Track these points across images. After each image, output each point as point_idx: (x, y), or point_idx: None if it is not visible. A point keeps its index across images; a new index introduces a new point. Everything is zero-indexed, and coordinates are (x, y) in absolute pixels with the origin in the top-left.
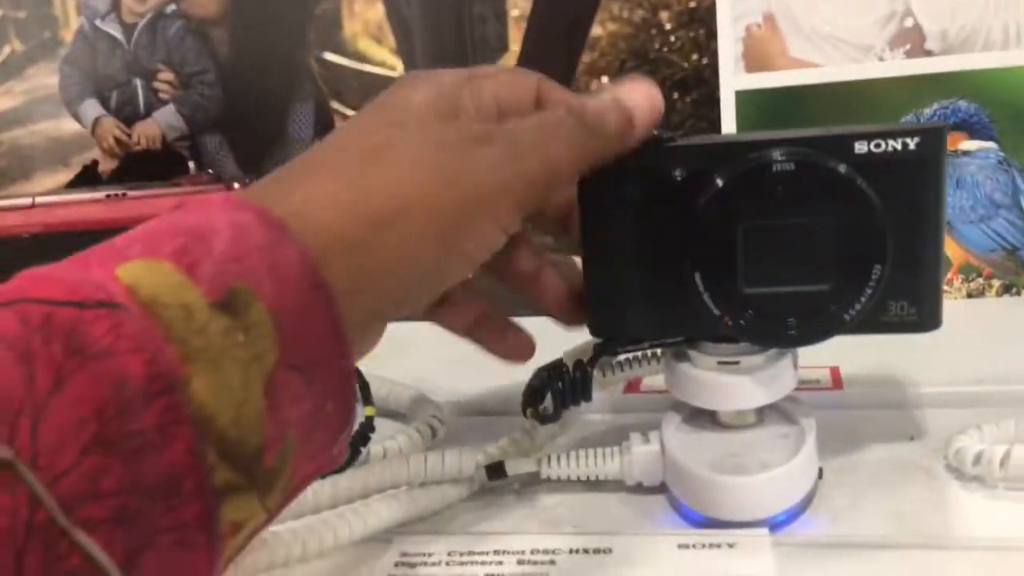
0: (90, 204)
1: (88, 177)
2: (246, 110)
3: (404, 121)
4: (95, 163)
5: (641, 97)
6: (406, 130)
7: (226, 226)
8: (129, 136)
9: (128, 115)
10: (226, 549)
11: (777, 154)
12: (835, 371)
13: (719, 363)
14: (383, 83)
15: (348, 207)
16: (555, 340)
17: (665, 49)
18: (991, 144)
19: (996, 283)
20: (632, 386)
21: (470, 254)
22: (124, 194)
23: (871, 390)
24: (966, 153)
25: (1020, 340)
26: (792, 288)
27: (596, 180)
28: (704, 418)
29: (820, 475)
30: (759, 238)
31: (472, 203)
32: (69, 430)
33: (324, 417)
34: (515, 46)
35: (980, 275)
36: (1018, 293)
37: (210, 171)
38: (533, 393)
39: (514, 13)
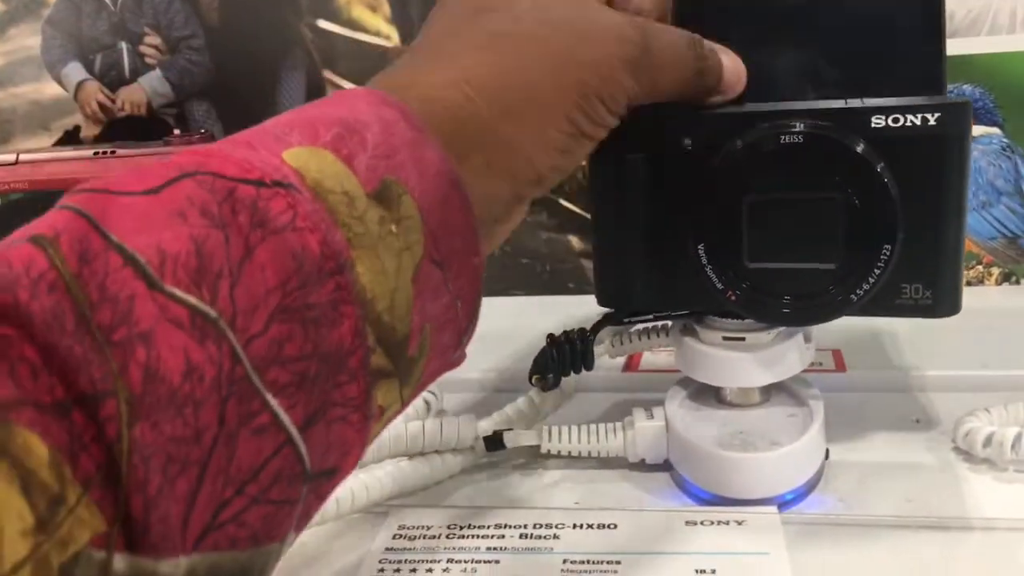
0: (77, 161)
1: (70, 143)
2: (235, 77)
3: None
4: (77, 129)
5: (735, 74)
6: (518, 9)
7: (375, 121)
8: (113, 101)
9: (113, 80)
10: (372, 432)
11: (788, 126)
12: (837, 353)
13: (724, 339)
14: (378, 53)
15: (479, 97)
16: (563, 316)
17: None
18: (995, 130)
19: (996, 271)
20: (631, 364)
21: (590, 134)
22: (113, 152)
23: (874, 373)
24: None
25: (1021, 328)
26: (798, 265)
27: (606, 148)
28: (709, 395)
29: (827, 456)
30: (765, 212)
31: (593, 84)
32: (258, 297)
33: (454, 315)
34: None
35: (980, 263)
36: (1017, 282)
37: (203, 129)
38: (541, 361)
39: None
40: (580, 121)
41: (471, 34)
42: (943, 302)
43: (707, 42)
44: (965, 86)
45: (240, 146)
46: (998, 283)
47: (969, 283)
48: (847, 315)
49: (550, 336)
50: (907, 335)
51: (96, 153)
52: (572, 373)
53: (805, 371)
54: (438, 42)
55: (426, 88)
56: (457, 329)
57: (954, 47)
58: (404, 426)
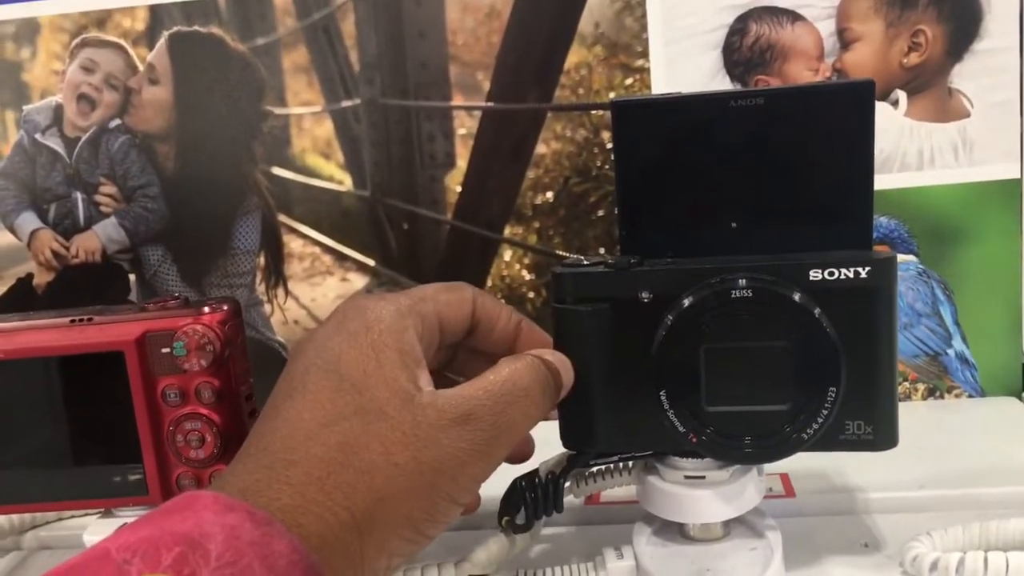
0: (55, 330)
1: (22, 290)
2: (190, 223)
3: (366, 407)
4: (30, 276)
5: (567, 370)
6: (371, 420)
7: (219, 530)
8: (67, 249)
9: (67, 228)
10: None
11: (737, 281)
12: (785, 478)
13: (686, 477)
14: (331, 197)
15: (331, 518)
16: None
17: (607, 167)
18: (911, 257)
19: (921, 387)
20: (593, 496)
21: (433, 534)
22: (90, 319)
23: (822, 497)
24: None
25: (948, 444)
26: (753, 408)
27: (568, 302)
28: (673, 530)
29: None
30: (720, 359)
31: (442, 499)
32: None
33: None
34: (462, 162)
35: (906, 379)
36: (941, 396)
37: (176, 294)
38: (510, 503)
39: (461, 131)
40: (426, 528)
41: (327, 445)
42: (883, 436)
43: (546, 355)
44: (881, 218)
45: None
46: (924, 398)
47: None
48: (800, 452)
49: (518, 479)
50: (848, 455)
51: (73, 321)
52: (544, 516)
53: None
54: (292, 444)
55: (283, 508)
56: None
57: None
58: None
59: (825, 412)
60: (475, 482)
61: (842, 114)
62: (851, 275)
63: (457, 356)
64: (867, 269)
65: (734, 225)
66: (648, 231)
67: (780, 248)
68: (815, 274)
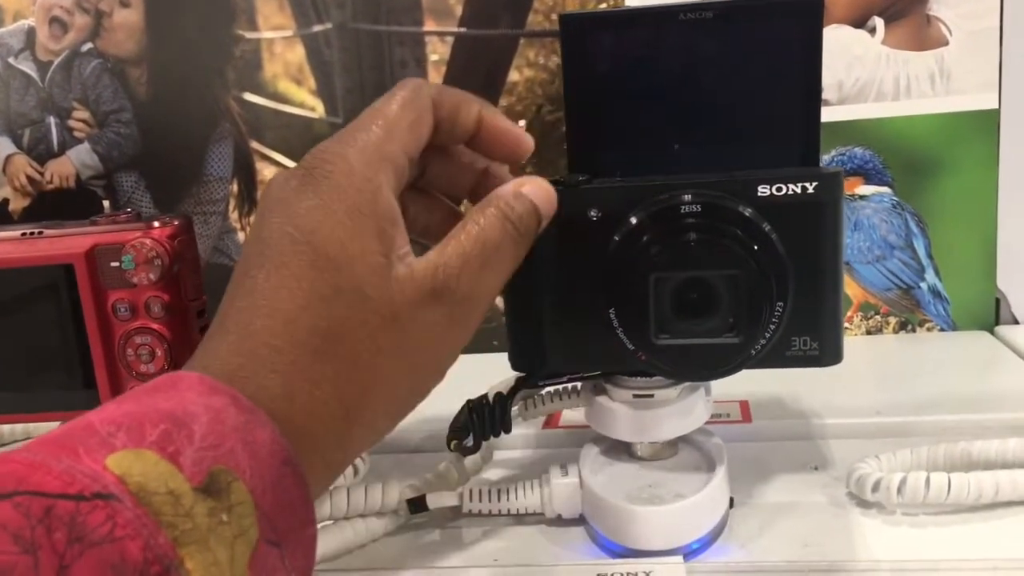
0: (5, 243)
1: None
2: (163, 149)
3: (344, 287)
4: (6, 202)
5: (546, 199)
6: (351, 302)
7: (203, 411)
8: (42, 174)
9: (41, 153)
10: None
11: (684, 196)
12: (744, 405)
13: (634, 396)
14: (303, 124)
15: (320, 410)
16: (486, 376)
17: None
18: (885, 189)
19: (893, 320)
20: (551, 421)
21: (419, 403)
22: (41, 232)
23: (778, 423)
24: (862, 197)
25: (914, 375)
26: (701, 323)
27: None
28: (621, 450)
29: (731, 504)
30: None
31: (427, 373)
32: None
33: None
34: None
35: (878, 313)
36: (913, 330)
37: (128, 209)
38: (458, 426)
39: (433, 58)
40: (413, 401)
41: (310, 331)
42: (828, 352)
43: (512, 198)
44: (856, 149)
45: (65, 452)
46: (895, 332)
47: (869, 332)
48: (746, 368)
49: (468, 402)
50: (810, 384)
51: (24, 234)
52: (492, 437)
53: (713, 422)
54: (274, 327)
55: (267, 398)
56: None
57: (844, 113)
58: (328, 492)
59: (772, 327)
60: (457, 349)
61: (790, 29)
62: (798, 190)
63: (429, 167)
64: (814, 184)
65: (679, 145)
66: (597, 149)
67: (729, 166)
68: (763, 189)
